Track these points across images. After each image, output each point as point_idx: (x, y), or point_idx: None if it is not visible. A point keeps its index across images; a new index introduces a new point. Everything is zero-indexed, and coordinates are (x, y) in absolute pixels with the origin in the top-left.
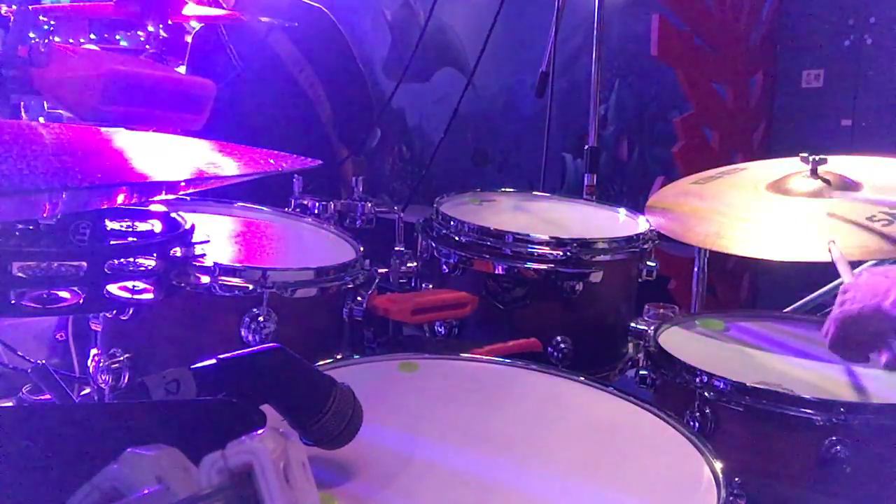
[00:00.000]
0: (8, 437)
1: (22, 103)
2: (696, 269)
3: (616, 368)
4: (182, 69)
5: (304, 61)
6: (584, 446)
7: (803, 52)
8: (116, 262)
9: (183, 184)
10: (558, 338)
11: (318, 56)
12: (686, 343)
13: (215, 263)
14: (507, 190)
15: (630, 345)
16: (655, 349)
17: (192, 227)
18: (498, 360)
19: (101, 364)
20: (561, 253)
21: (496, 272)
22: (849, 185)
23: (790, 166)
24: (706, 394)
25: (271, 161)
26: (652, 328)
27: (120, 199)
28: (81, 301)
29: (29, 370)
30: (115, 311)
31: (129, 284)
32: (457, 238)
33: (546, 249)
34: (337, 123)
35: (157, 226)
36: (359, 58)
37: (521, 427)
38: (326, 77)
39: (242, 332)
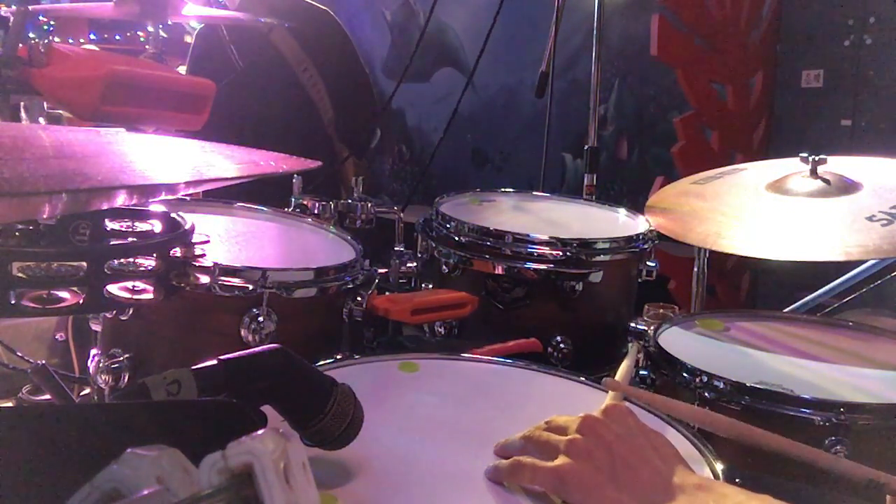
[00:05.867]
0: (8, 437)
1: (22, 103)
2: (696, 269)
3: (616, 368)
4: (182, 69)
5: (307, 60)
6: None
7: (803, 52)
8: (116, 262)
9: (182, 185)
10: (558, 338)
11: (321, 56)
12: (686, 343)
13: (215, 263)
14: (507, 190)
15: (629, 345)
16: (655, 349)
17: (192, 227)
18: (498, 360)
19: (101, 364)
20: (561, 253)
21: (496, 272)
22: (849, 185)
23: (790, 166)
24: (706, 394)
25: (271, 163)
26: (652, 328)
27: (120, 200)
28: (81, 301)
29: (29, 370)
30: (115, 311)
31: (129, 284)
32: (456, 238)
33: (546, 249)
34: (338, 123)
35: (157, 226)
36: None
37: (522, 427)
38: (329, 77)
39: (242, 333)
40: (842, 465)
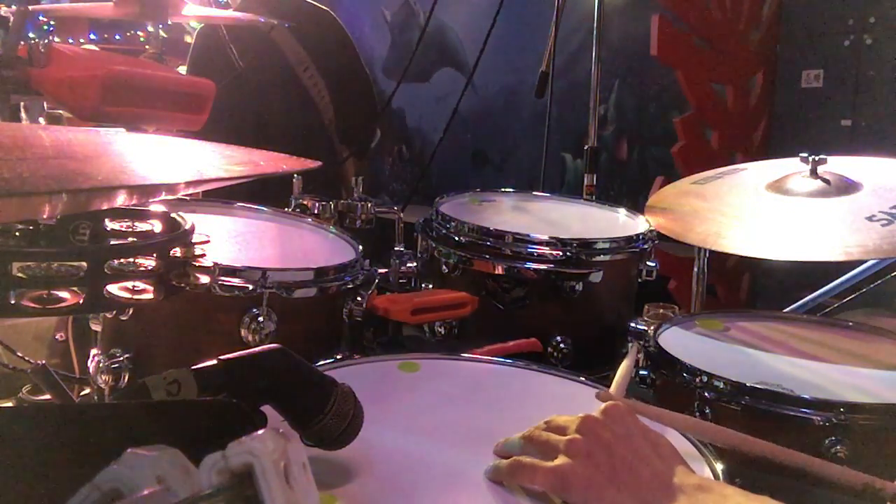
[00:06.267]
0: (8, 437)
1: (22, 103)
2: (696, 269)
3: (616, 368)
4: (182, 69)
5: (308, 60)
6: None
7: (803, 52)
8: (116, 262)
9: (182, 185)
10: (558, 338)
11: (322, 56)
12: (686, 343)
13: (215, 263)
14: (507, 190)
15: (629, 345)
16: (655, 349)
17: (192, 227)
18: (498, 360)
19: (101, 364)
20: (561, 253)
21: (496, 272)
22: (849, 185)
23: (790, 166)
24: (706, 394)
25: (271, 163)
26: (652, 328)
27: (120, 200)
28: (81, 301)
29: (29, 370)
30: (115, 311)
31: (129, 284)
32: (456, 238)
33: (546, 249)
34: (339, 123)
35: (157, 226)
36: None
37: (522, 427)
38: (329, 77)
39: (242, 333)
40: (836, 471)
